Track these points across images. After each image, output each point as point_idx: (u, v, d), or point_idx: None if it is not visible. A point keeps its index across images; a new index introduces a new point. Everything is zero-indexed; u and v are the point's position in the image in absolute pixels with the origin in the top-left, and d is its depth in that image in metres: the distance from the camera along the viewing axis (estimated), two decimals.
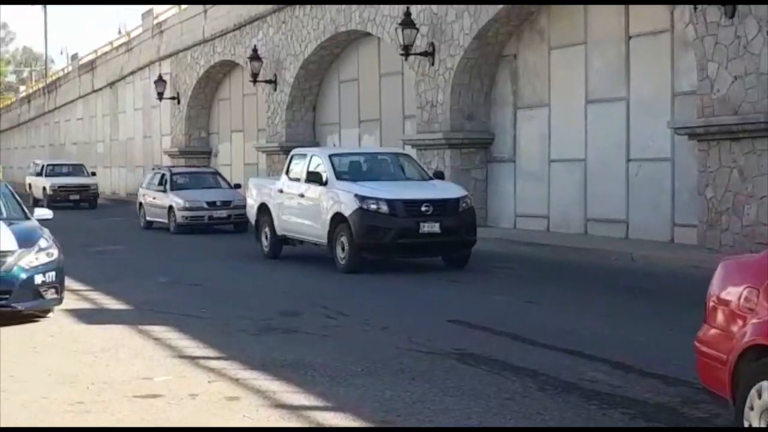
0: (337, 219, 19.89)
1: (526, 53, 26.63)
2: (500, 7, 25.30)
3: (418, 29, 27.46)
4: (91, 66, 58.10)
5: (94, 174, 48.89)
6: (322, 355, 11.50)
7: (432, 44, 27.57)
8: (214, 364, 11.07)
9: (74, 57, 63.57)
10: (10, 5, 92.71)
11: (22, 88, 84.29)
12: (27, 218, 14.97)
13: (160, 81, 44.27)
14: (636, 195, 23.56)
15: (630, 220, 23.81)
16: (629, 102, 23.81)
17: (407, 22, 27.33)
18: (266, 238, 22.98)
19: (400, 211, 19.45)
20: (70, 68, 64.71)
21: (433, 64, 27.66)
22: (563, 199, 25.61)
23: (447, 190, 20.81)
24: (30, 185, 48.51)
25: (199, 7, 42.95)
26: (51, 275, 13.76)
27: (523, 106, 26.87)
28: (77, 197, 45.58)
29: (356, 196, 19.59)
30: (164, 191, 32.09)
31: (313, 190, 20.98)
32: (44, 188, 45.74)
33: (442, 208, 19.70)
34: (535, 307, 15.64)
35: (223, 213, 30.99)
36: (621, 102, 23.98)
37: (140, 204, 34.08)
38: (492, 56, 27.09)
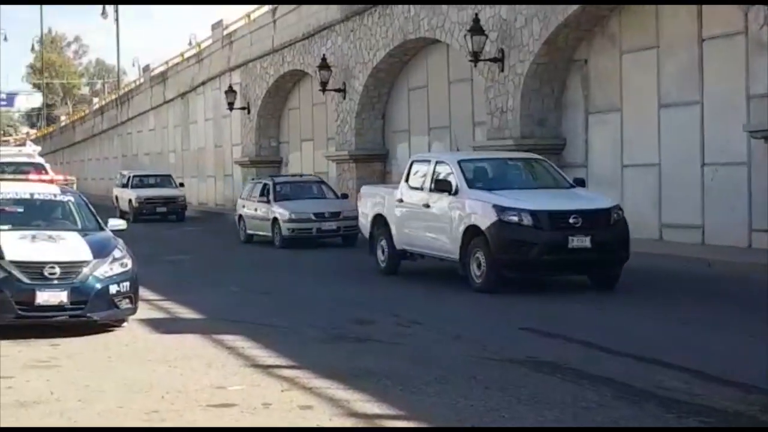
0: (472, 232, 17.76)
1: (597, 58, 26.41)
2: (570, 12, 25.11)
3: (487, 35, 27.34)
4: (162, 77, 58.66)
5: (182, 185, 46.36)
6: (394, 364, 11.46)
7: (501, 50, 27.43)
8: (287, 372, 11.06)
9: (146, 69, 64.24)
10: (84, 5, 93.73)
11: (95, 100, 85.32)
12: (101, 229, 15.10)
13: (230, 91, 44.51)
14: (712, 200, 23.25)
15: (706, 225, 23.50)
16: (703, 105, 23.51)
17: (476, 29, 27.20)
18: (382, 252, 21.05)
19: (546, 223, 17.25)
20: (141, 80, 65.39)
21: (502, 70, 27.52)
22: (637, 204, 25.32)
23: (595, 199, 18.78)
24: (116, 197, 46.12)
25: (268, 18, 43.15)
26: (125, 285, 13.87)
27: (594, 110, 26.65)
28: (164, 209, 43.23)
29: (495, 206, 17.44)
30: (267, 202, 29.63)
31: (441, 200, 18.90)
32: (130, 200, 43.63)
33: (592, 220, 17.54)
34: (609, 313, 15.47)
35: (332, 225, 28.65)
36: (695, 106, 23.69)
37: (240, 216, 31.70)
38: (562, 61, 26.90)
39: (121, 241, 14.66)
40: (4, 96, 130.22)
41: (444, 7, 29.85)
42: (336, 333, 13.71)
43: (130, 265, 14.09)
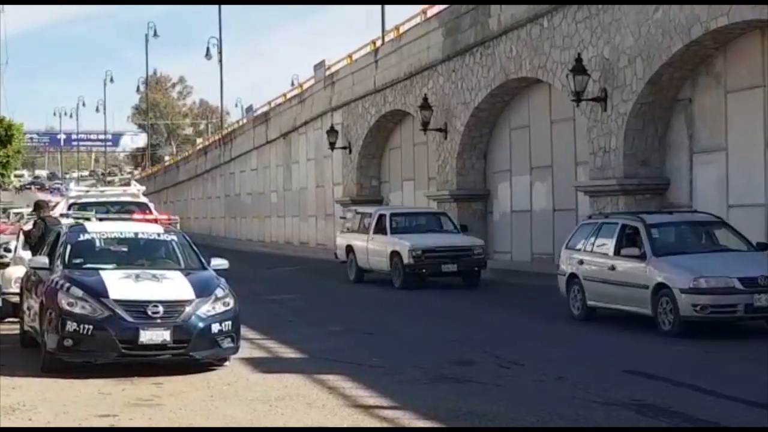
0: None
1: (701, 97, 26.05)
2: (674, 51, 24.83)
3: (589, 75, 27.15)
4: (265, 118, 59.26)
5: (464, 228, 30.22)
6: (496, 405, 11.35)
7: (604, 90, 27.21)
8: (388, 413, 11.01)
9: (249, 109, 64.99)
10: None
11: (199, 140, 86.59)
12: (204, 268, 15.21)
13: (332, 131, 44.79)
14: None
15: None
16: None
17: (579, 69, 27.03)
18: None
19: None
20: (244, 120, 66.14)
21: (605, 109, 27.29)
22: None
23: None
24: (351, 248, 30.74)
25: (370, 58, 43.39)
26: (227, 324, 13.93)
27: (699, 150, 26.26)
28: (453, 267, 27.57)
29: None
30: (639, 258, 18.35)
31: None
32: (396, 254, 27.84)
33: None
34: (716, 356, 15.16)
35: None
36: None
37: (570, 277, 20.28)
38: (666, 101, 26.58)
39: (223, 280, 14.75)
40: (109, 136, 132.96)
41: (546, 47, 29.75)
42: (436, 373, 13.61)
43: (232, 304, 14.17)
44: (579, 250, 20.34)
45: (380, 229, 29.22)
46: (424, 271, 27.52)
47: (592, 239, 20.03)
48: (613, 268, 18.88)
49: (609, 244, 19.36)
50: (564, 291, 20.49)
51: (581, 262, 20.02)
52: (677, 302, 17.11)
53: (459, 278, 27.80)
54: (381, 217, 29.59)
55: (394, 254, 27.88)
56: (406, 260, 27.35)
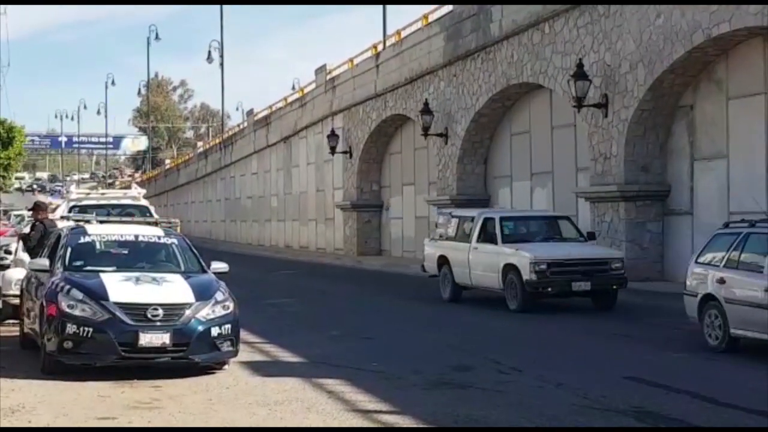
0: None
1: (703, 104, 26.06)
2: (676, 57, 24.86)
3: (591, 81, 27.16)
4: (265, 121, 59.28)
5: (592, 235, 24.51)
6: (495, 411, 11.34)
7: (605, 96, 27.22)
8: (387, 418, 11.00)
9: (249, 113, 64.99)
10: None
11: (199, 143, 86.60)
12: (204, 271, 15.21)
13: (332, 135, 44.81)
14: None
15: None
16: None
17: (580, 74, 27.04)
18: None
19: None
20: (245, 124, 66.17)
21: (606, 115, 27.30)
22: None
23: None
24: (446, 260, 25.05)
25: (371, 63, 43.42)
26: (227, 328, 13.92)
27: (700, 157, 26.27)
28: (587, 284, 21.90)
29: None
30: None
31: None
32: (512, 267, 22.16)
33: None
34: (715, 364, 15.13)
35: None
36: None
37: (704, 300, 16.42)
38: (667, 107, 26.60)
39: (223, 283, 14.73)
40: (110, 139, 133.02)
41: (547, 52, 29.77)
42: (435, 379, 13.60)
43: (231, 308, 14.15)
44: (716, 266, 16.27)
45: (487, 236, 23.62)
46: (549, 290, 21.90)
47: (735, 253, 15.98)
48: None
49: (762, 260, 15.36)
50: (695, 316, 16.69)
51: (722, 281, 16.01)
52: None
53: (588, 299, 22.54)
54: (488, 221, 23.88)
55: (509, 268, 22.30)
56: (526, 276, 21.72)
